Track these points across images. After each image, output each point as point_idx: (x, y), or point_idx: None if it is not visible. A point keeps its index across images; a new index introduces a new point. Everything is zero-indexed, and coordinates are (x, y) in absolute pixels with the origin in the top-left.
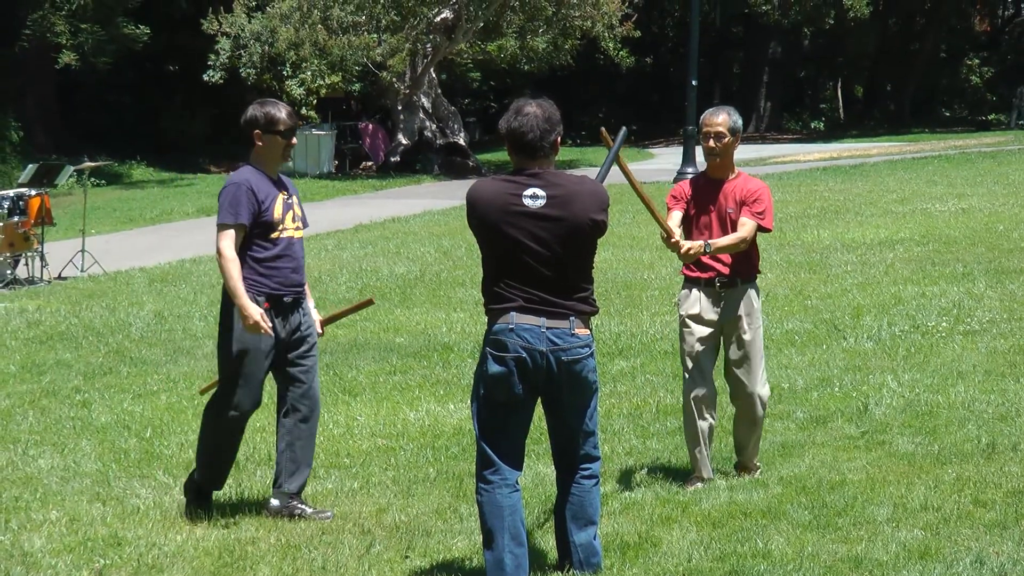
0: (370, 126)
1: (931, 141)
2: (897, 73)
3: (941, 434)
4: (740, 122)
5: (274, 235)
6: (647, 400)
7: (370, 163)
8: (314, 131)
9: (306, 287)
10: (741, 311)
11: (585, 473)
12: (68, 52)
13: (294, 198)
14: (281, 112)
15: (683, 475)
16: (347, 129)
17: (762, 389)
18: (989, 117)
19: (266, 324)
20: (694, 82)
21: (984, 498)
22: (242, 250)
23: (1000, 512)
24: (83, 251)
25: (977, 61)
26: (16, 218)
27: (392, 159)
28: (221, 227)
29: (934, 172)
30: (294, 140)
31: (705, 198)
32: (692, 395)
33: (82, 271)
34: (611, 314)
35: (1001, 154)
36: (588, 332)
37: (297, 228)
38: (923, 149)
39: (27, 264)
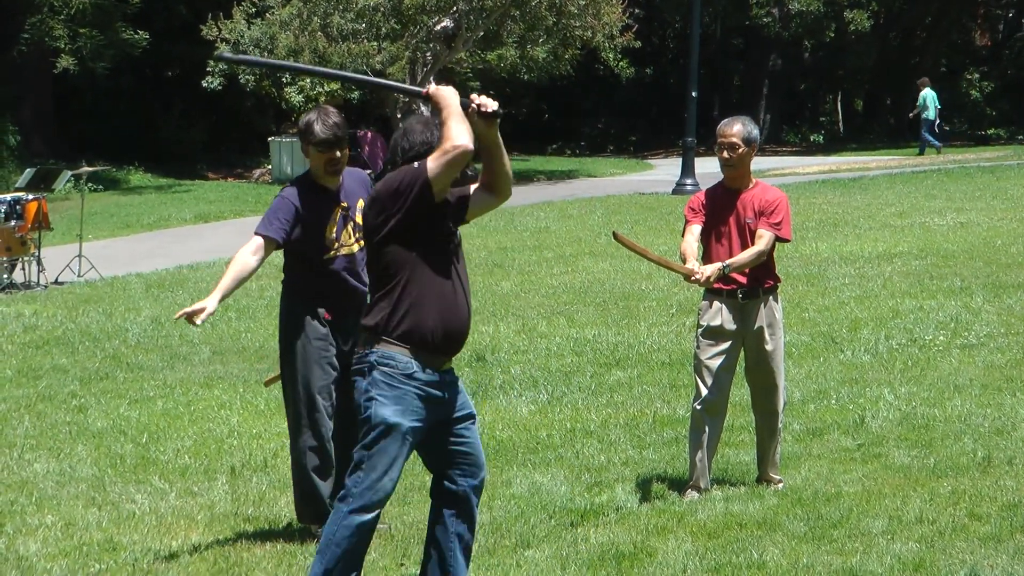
0: (369, 134)
1: (930, 155)
2: (897, 87)
3: (937, 447)
4: (756, 132)
5: (329, 255)
6: (644, 411)
7: (369, 171)
8: None
9: None
10: (763, 322)
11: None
12: (66, 57)
13: (358, 204)
14: (318, 122)
15: (679, 485)
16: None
17: (782, 399)
18: (989, 132)
19: (200, 319)
20: (694, 93)
21: (979, 511)
22: (295, 268)
23: (995, 526)
24: (80, 256)
25: (977, 75)
26: (13, 223)
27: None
28: (257, 234)
29: (933, 186)
30: (338, 153)
31: (723, 209)
32: (705, 405)
33: (79, 276)
34: (608, 324)
35: (1000, 169)
36: (362, 350)
37: (357, 242)
38: (922, 163)
39: (24, 269)
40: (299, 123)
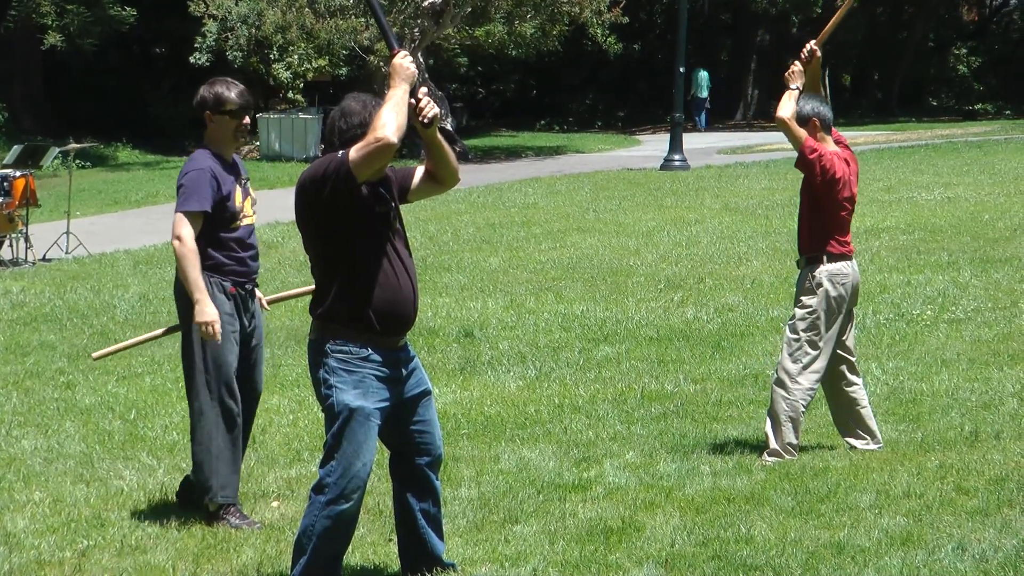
0: None
1: (918, 130)
2: (885, 62)
3: (924, 422)
4: (808, 108)
5: (234, 225)
6: (632, 386)
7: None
8: (300, 115)
9: None
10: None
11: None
12: (53, 33)
13: (248, 183)
14: (231, 91)
15: (667, 460)
16: None
17: (785, 363)
18: (976, 107)
19: (218, 330)
20: (681, 69)
21: (966, 485)
22: (201, 238)
23: (982, 499)
24: (68, 233)
25: (965, 51)
26: (1, 199)
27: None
28: (185, 214)
29: (920, 161)
30: (247, 120)
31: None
32: None
33: (67, 253)
34: (596, 300)
35: (987, 143)
36: (312, 337)
37: (254, 213)
38: (910, 138)
39: (11, 245)
40: (200, 96)
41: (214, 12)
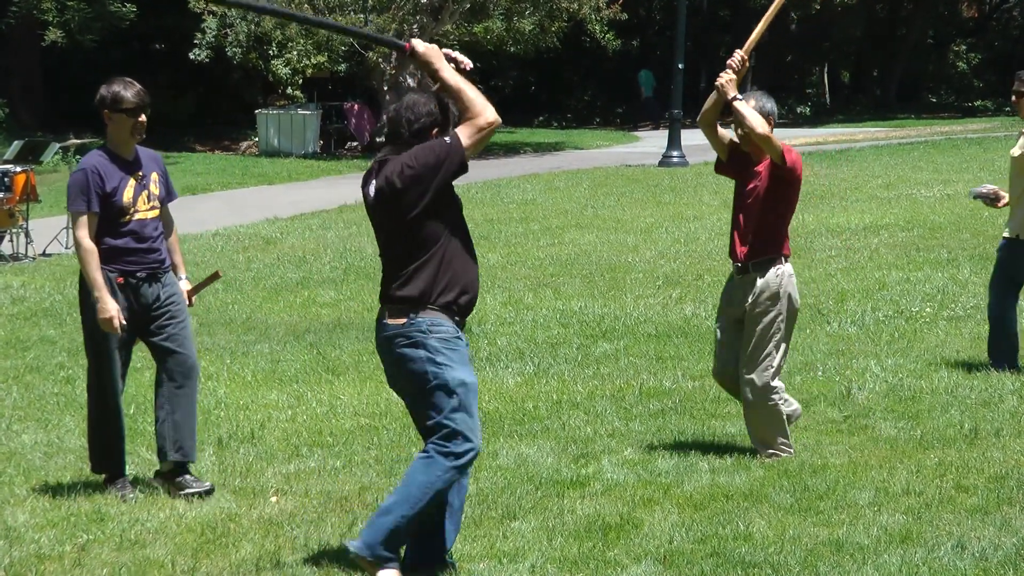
0: (355, 106)
1: (917, 127)
2: (884, 58)
3: (924, 419)
4: (769, 106)
5: (124, 219)
6: (630, 382)
7: (355, 143)
8: (299, 111)
9: (175, 258)
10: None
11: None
12: (54, 29)
13: (152, 176)
14: (127, 91)
15: (665, 456)
16: (332, 109)
17: (756, 377)
18: (975, 104)
19: (120, 321)
20: (680, 65)
21: (966, 483)
22: (99, 230)
23: (982, 497)
24: (68, 228)
25: (964, 47)
26: (1, 194)
27: (377, 139)
28: (75, 215)
29: (920, 158)
30: (143, 118)
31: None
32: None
33: (67, 248)
34: (594, 296)
35: (987, 140)
36: (402, 321)
37: (151, 208)
38: (909, 135)
39: (12, 240)
40: (98, 95)
41: (213, 9)
